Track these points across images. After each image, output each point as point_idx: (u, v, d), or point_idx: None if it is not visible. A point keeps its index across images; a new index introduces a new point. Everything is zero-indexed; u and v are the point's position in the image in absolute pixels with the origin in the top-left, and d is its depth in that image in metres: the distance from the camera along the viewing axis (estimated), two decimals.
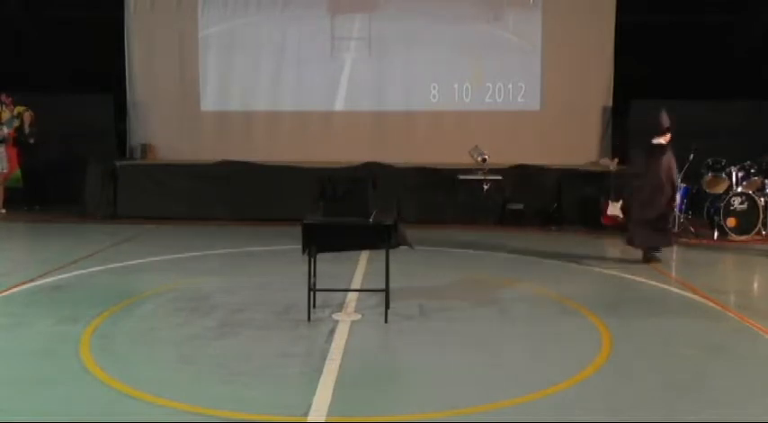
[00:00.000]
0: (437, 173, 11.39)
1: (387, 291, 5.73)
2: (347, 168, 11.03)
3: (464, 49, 12.82)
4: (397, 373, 4.67)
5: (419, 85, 12.94)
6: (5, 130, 12.12)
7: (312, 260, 5.68)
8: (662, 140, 7.98)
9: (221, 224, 10.77)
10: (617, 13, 12.63)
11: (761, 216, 9.75)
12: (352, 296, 6.31)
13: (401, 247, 5.93)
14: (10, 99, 12.76)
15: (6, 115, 12.52)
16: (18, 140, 12.23)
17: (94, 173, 11.60)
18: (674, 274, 7.90)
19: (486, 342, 5.23)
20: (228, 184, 11.40)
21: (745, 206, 9.80)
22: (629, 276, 7.49)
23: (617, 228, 10.39)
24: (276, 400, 4.07)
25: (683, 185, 10.20)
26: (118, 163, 11.97)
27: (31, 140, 12.17)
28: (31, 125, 12.21)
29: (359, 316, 5.78)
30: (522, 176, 11.33)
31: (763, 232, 9.81)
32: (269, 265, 7.89)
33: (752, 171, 10.02)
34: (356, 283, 6.86)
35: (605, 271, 7.83)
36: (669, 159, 8.05)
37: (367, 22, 12.99)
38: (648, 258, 8.12)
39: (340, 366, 4.58)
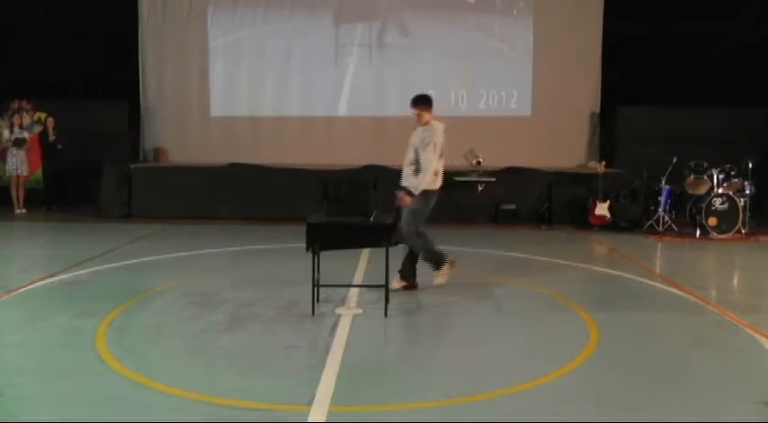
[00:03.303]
0: None
1: (386, 286, 5.73)
2: (349, 171, 11.02)
3: (460, 58, 12.83)
4: (395, 364, 4.67)
5: (417, 92, 12.83)
6: (26, 134, 12.13)
7: (316, 257, 5.68)
8: None
9: (229, 223, 10.77)
10: (604, 23, 12.65)
11: (740, 216, 9.76)
12: (353, 291, 6.31)
13: (400, 245, 5.94)
14: (31, 105, 12.78)
15: (27, 121, 12.53)
16: (44, 144, 12.24)
17: (110, 175, 11.61)
18: (658, 270, 7.91)
19: (480, 335, 5.22)
20: (236, 186, 11.41)
21: (725, 206, 9.80)
22: (616, 273, 7.49)
23: (604, 227, 10.43)
24: (282, 389, 4.06)
25: (667, 187, 10.23)
26: (132, 166, 11.97)
27: (59, 146, 12.18)
28: (54, 130, 12.21)
29: (360, 310, 5.77)
30: (515, 178, 11.34)
31: (743, 231, 9.82)
32: (275, 263, 7.87)
33: (732, 173, 10.03)
34: (357, 280, 6.84)
35: (593, 268, 7.83)
36: None
37: (368, 32, 12.99)
38: None
39: (342, 358, 4.57)
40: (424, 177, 6.12)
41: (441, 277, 6.40)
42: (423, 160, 6.13)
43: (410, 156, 6.30)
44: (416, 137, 6.30)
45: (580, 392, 4.09)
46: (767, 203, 10.97)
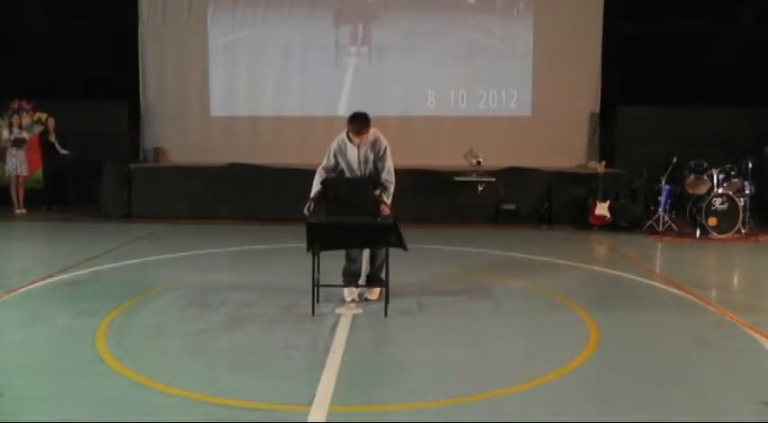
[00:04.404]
0: (434, 175, 11.38)
1: (387, 286, 5.73)
2: None
3: (460, 58, 12.84)
4: (395, 364, 4.67)
5: (417, 92, 12.94)
6: (25, 134, 12.13)
7: (316, 257, 5.68)
8: None
9: (229, 223, 10.77)
10: (604, 23, 12.66)
11: (740, 216, 9.76)
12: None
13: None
14: (31, 105, 12.78)
15: (27, 121, 12.53)
16: (44, 144, 12.24)
17: (110, 175, 11.61)
18: (658, 270, 7.91)
19: (480, 335, 5.22)
20: (236, 186, 11.41)
21: (725, 206, 9.80)
22: (616, 272, 7.49)
23: (604, 227, 10.43)
24: (282, 389, 4.07)
25: (667, 187, 10.23)
26: (132, 165, 11.97)
27: (60, 147, 12.18)
28: (55, 131, 12.22)
29: (360, 310, 5.77)
30: (515, 178, 11.33)
31: (743, 231, 9.82)
32: (275, 262, 7.88)
33: (732, 173, 10.03)
34: None
35: (593, 268, 7.83)
36: None
37: (368, 32, 13.00)
38: None
39: (342, 358, 4.57)
40: (394, 185, 6.10)
41: (372, 295, 6.14)
42: (390, 169, 6.07)
43: (367, 169, 6.09)
44: (365, 151, 6.07)
45: (580, 392, 4.09)
46: (767, 203, 10.97)
